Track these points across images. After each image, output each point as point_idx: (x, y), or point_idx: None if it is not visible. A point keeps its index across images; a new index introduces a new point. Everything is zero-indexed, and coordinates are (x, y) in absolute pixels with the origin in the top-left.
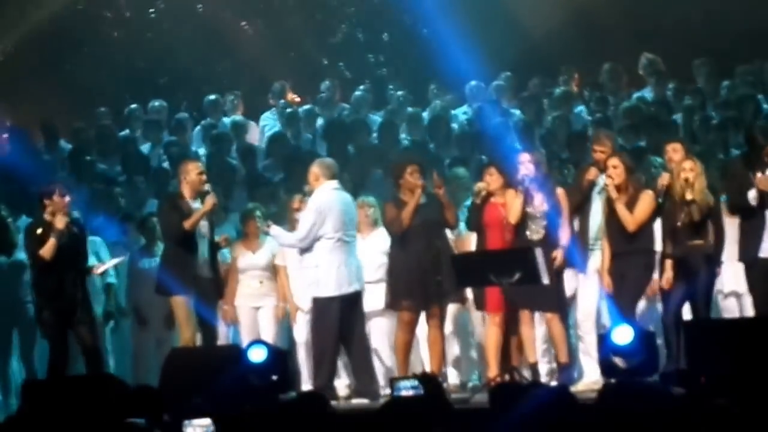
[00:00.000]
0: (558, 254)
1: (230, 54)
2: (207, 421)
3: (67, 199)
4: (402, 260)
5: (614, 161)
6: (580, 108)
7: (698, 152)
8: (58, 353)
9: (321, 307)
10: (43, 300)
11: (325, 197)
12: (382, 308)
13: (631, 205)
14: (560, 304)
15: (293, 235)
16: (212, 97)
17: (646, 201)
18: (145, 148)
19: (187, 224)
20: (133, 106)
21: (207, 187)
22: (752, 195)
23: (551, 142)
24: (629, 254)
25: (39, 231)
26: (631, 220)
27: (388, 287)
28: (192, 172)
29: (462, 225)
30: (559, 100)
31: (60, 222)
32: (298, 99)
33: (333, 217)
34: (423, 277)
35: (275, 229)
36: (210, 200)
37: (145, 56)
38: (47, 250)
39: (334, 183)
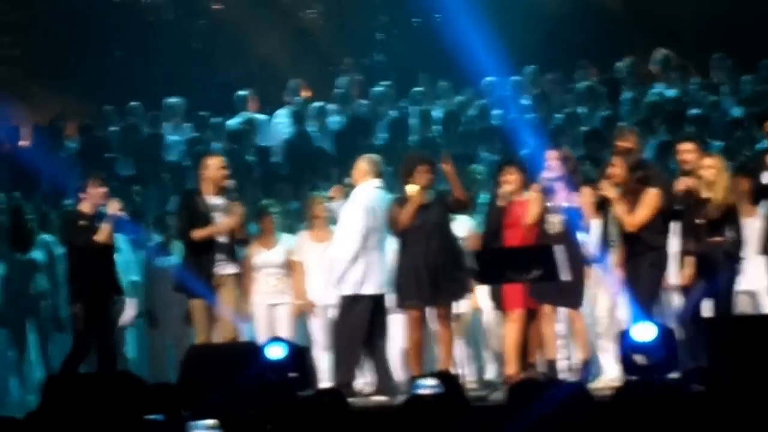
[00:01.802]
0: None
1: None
2: (213, 422)
3: (103, 189)
4: (405, 260)
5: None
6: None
7: (722, 149)
8: (82, 349)
9: (350, 304)
10: (77, 290)
11: (371, 195)
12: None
13: (635, 203)
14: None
15: (348, 246)
16: (242, 93)
17: (649, 200)
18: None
19: (196, 234)
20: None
21: (229, 183)
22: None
23: (560, 138)
24: (637, 253)
25: (82, 222)
26: (629, 221)
27: (395, 287)
28: (212, 167)
29: (473, 221)
30: (585, 95)
31: (113, 207)
32: (309, 93)
33: (375, 217)
34: (427, 277)
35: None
36: (235, 214)
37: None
38: (103, 235)
39: (378, 181)
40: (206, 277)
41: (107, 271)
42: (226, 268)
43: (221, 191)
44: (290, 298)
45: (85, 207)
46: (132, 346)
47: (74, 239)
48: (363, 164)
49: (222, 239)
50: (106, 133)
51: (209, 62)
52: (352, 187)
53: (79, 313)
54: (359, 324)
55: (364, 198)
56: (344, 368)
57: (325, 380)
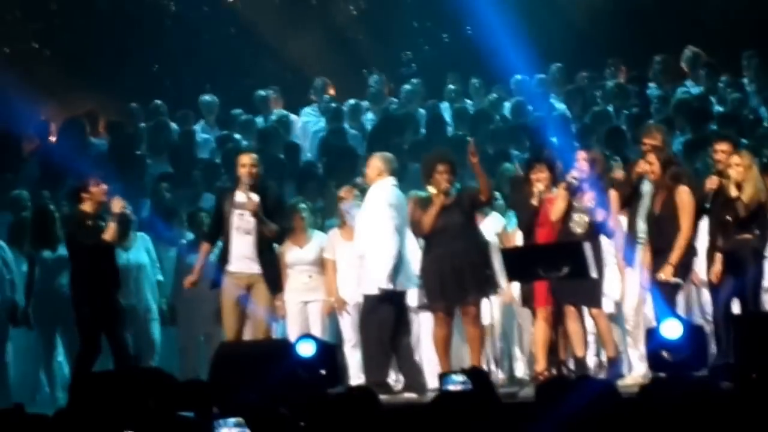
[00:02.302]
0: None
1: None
2: (239, 420)
3: (104, 187)
4: (430, 263)
5: (651, 158)
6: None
7: (747, 147)
8: (93, 349)
9: (378, 301)
10: (85, 292)
11: (391, 192)
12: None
13: (668, 200)
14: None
15: (386, 248)
16: (263, 93)
17: (686, 203)
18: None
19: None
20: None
21: (250, 180)
22: None
23: (588, 136)
24: (666, 251)
25: (88, 223)
26: (685, 238)
27: (421, 288)
28: (238, 164)
29: (504, 220)
30: (613, 93)
31: (116, 206)
32: (332, 92)
33: (399, 213)
34: (453, 279)
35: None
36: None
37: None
38: (110, 234)
39: (393, 179)
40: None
41: (112, 268)
42: (253, 268)
43: (253, 188)
44: (323, 295)
45: (88, 207)
46: (162, 344)
47: (84, 240)
48: (378, 162)
49: (249, 238)
50: (135, 131)
51: (239, 61)
52: (362, 186)
53: (87, 314)
54: (389, 320)
55: (386, 194)
56: (376, 365)
57: (354, 377)
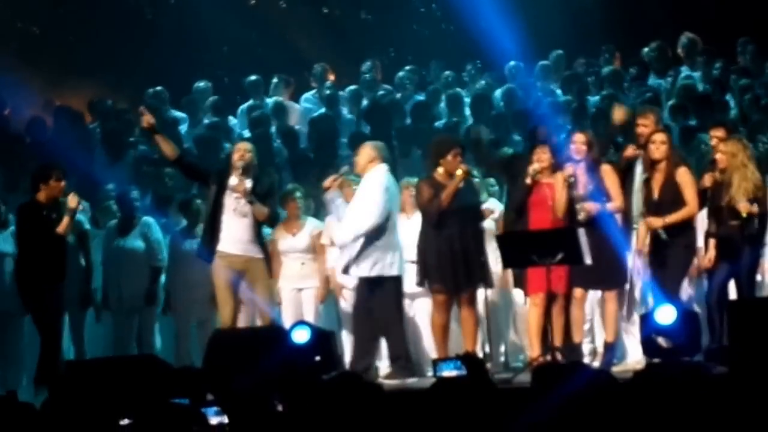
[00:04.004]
0: (591, 206)
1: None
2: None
3: (63, 183)
4: (435, 243)
5: (658, 136)
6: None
7: (745, 133)
8: (56, 339)
9: (373, 285)
10: (46, 284)
11: (384, 178)
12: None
13: (669, 181)
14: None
15: (366, 219)
16: (253, 78)
17: (687, 180)
18: (184, 128)
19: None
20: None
21: (240, 165)
22: None
23: (600, 121)
24: (669, 234)
25: (42, 213)
26: (690, 213)
27: (419, 267)
28: (239, 151)
29: (500, 204)
30: (608, 80)
31: (72, 201)
32: (332, 77)
33: (392, 198)
34: (455, 261)
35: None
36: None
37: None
38: (63, 227)
39: (386, 166)
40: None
41: (60, 260)
42: (249, 251)
43: (245, 172)
44: (316, 282)
45: (42, 197)
46: (156, 330)
47: (32, 229)
48: (369, 150)
49: (246, 221)
50: (130, 117)
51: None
52: (352, 176)
53: (50, 305)
54: (388, 305)
55: (382, 179)
56: (364, 351)
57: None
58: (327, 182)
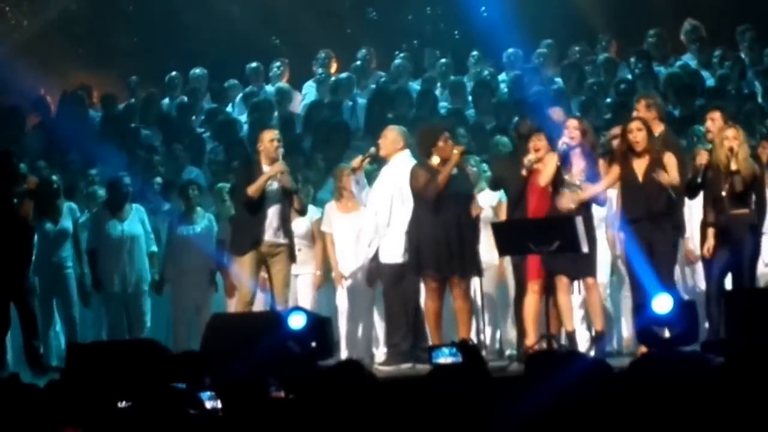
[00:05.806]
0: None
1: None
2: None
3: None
4: (429, 228)
5: (634, 124)
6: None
7: (740, 121)
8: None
9: (398, 272)
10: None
11: (403, 169)
12: None
13: (652, 168)
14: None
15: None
16: (254, 64)
17: (673, 162)
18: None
19: (250, 190)
20: (173, 73)
21: (279, 153)
22: None
23: (590, 108)
24: (655, 219)
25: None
26: (675, 185)
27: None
28: (265, 140)
29: (501, 193)
30: (603, 67)
31: (31, 183)
32: (335, 65)
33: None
34: (448, 247)
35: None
36: (276, 167)
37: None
38: (24, 210)
39: (410, 152)
40: (249, 240)
41: (25, 244)
42: (278, 237)
43: (274, 162)
44: (312, 269)
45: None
46: (153, 314)
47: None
48: (395, 134)
49: (276, 207)
50: (129, 103)
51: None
52: (373, 156)
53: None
54: (411, 290)
55: (396, 172)
56: (402, 335)
57: (347, 350)
58: (355, 162)
